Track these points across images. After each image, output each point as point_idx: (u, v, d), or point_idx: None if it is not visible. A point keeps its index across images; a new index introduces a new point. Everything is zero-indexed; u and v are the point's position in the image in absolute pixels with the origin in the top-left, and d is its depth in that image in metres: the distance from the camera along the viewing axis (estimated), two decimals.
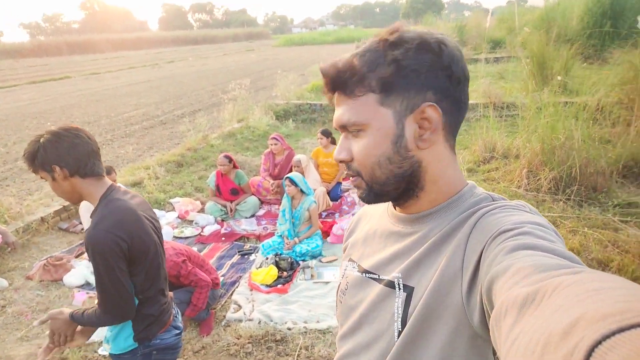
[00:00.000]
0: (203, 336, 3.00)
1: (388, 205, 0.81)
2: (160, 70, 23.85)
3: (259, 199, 5.08)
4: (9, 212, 4.23)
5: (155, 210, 4.82)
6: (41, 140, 1.40)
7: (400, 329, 0.69)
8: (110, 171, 3.71)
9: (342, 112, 0.70)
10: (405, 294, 0.69)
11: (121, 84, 18.03)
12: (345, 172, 0.77)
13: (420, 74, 0.65)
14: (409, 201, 0.73)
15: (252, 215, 4.89)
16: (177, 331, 1.71)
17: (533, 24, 13.05)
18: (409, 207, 0.74)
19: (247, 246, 4.25)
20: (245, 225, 4.67)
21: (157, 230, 1.63)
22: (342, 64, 0.68)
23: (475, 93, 8.16)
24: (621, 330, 0.28)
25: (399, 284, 0.71)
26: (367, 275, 0.79)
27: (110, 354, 1.62)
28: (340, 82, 0.68)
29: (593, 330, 0.29)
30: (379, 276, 0.76)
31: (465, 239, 0.64)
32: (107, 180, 1.52)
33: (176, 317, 1.77)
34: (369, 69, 0.66)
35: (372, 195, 0.72)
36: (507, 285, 0.45)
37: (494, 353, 0.66)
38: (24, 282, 3.58)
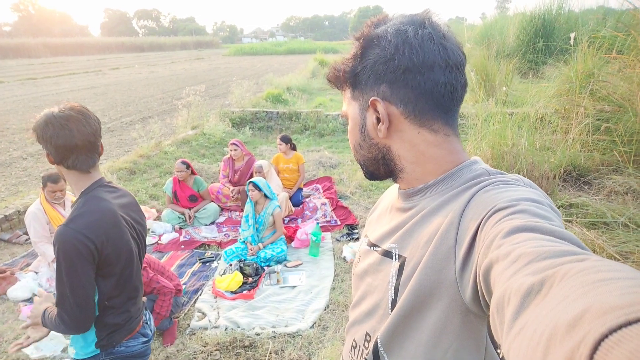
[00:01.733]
0: (167, 346, 2.88)
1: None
2: (105, 77, 22.80)
3: (219, 206, 4.98)
4: None
5: None
6: (38, 120, 1.32)
7: (393, 297, 0.72)
8: (57, 179, 3.48)
9: (343, 103, 0.81)
10: (398, 263, 0.72)
11: (62, 90, 17.01)
12: None
13: (367, 69, 0.70)
14: (398, 180, 0.78)
15: (212, 223, 4.78)
16: (145, 339, 1.63)
17: (474, 39, 13.90)
18: (403, 184, 0.78)
19: (209, 253, 4.14)
20: (205, 233, 4.55)
21: (139, 234, 1.54)
22: (336, 65, 0.78)
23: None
24: (628, 323, 0.28)
25: (395, 254, 0.74)
26: (372, 247, 0.83)
27: (73, 359, 1.52)
28: (335, 80, 0.78)
29: (599, 323, 0.29)
30: (380, 247, 0.80)
31: (459, 216, 0.64)
32: (95, 174, 1.42)
33: (146, 323, 1.69)
34: (347, 67, 0.74)
35: (368, 174, 0.81)
36: (509, 273, 0.45)
37: (490, 332, 0.67)
38: None
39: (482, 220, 0.58)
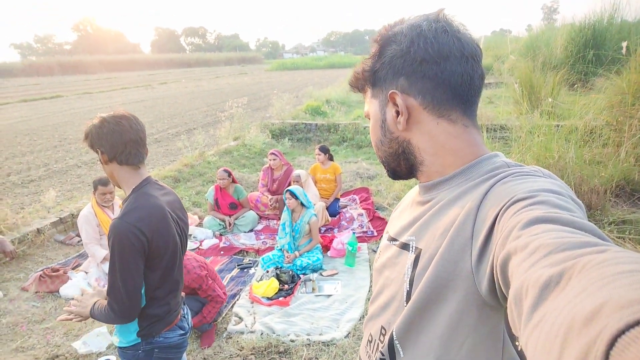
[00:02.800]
0: (204, 348, 2.95)
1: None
2: (154, 91, 23.96)
3: (258, 214, 5.08)
4: (5, 222, 4.17)
5: None
6: (92, 123, 1.46)
7: (408, 289, 0.71)
8: (107, 182, 3.69)
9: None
10: (414, 255, 0.72)
11: (114, 103, 18.05)
12: None
13: (385, 65, 0.73)
14: (418, 174, 0.79)
15: (251, 230, 4.88)
16: (182, 331, 1.70)
17: (519, 52, 13.52)
18: (423, 178, 0.79)
19: (247, 260, 4.22)
20: (244, 240, 4.65)
21: (182, 231, 1.63)
22: (356, 68, 0.80)
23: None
24: None
25: (412, 246, 0.74)
26: (392, 241, 0.83)
27: (117, 347, 1.61)
28: (356, 82, 0.81)
29: (617, 318, 0.28)
30: (398, 240, 0.80)
31: (476, 207, 0.63)
32: (144, 172, 1.54)
33: (184, 317, 1.76)
34: (366, 67, 0.77)
35: (390, 172, 0.83)
36: (527, 264, 0.44)
37: (513, 337, 0.66)
38: (19, 293, 3.50)
39: (500, 211, 0.57)
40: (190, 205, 5.42)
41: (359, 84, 0.81)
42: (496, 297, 0.57)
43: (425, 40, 0.69)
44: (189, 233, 4.64)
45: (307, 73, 37.94)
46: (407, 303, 0.71)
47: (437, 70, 0.69)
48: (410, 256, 0.73)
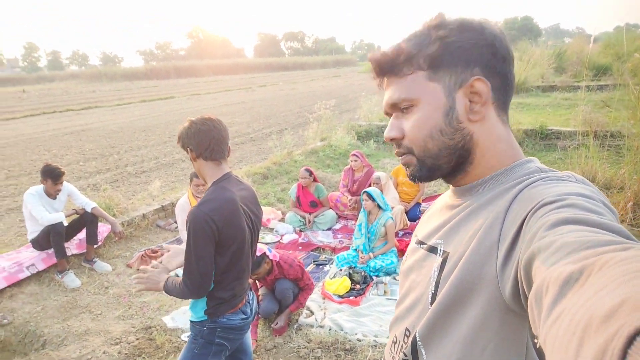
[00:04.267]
0: (276, 336, 3.11)
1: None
2: (253, 93, 25.49)
3: (337, 214, 5.18)
4: (118, 207, 4.81)
5: None
6: (183, 126, 1.69)
7: (433, 292, 0.71)
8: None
9: (392, 91, 0.74)
10: (441, 258, 0.71)
11: (218, 104, 19.59)
12: (395, 151, 0.81)
13: (465, 50, 0.69)
14: (458, 176, 0.75)
15: (329, 228, 5.00)
16: (244, 316, 1.83)
17: None
18: (458, 181, 0.77)
19: (323, 257, 4.34)
20: (321, 237, 4.78)
21: (254, 224, 1.78)
22: (390, 49, 0.73)
23: (574, 121, 7.64)
24: None
25: (440, 250, 0.73)
26: (419, 245, 0.82)
27: (190, 320, 1.81)
28: (390, 65, 0.73)
29: (636, 316, 0.28)
30: (426, 244, 0.79)
31: (504, 211, 0.63)
32: (225, 168, 1.72)
33: (248, 302, 1.89)
34: (416, 49, 0.71)
35: (425, 170, 0.74)
36: (549, 262, 0.43)
37: (532, 336, 0.64)
38: (124, 269, 4.02)
39: (527, 214, 0.57)
40: (275, 201, 5.71)
41: (395, 66, 0.73)
42: (519, 302, 0.56)
43: (503, 39, 0.71)
44: (272, 227, 4.91)
45: None
46: (431, 305, 0.71)
47: (508, 71, 0.71)
48: (438, 259, 0.73)
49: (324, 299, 3.57)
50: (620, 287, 0.32)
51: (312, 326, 3.20)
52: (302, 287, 3.32)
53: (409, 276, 0.84)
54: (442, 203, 0.85)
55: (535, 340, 0.63)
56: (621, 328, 0.28)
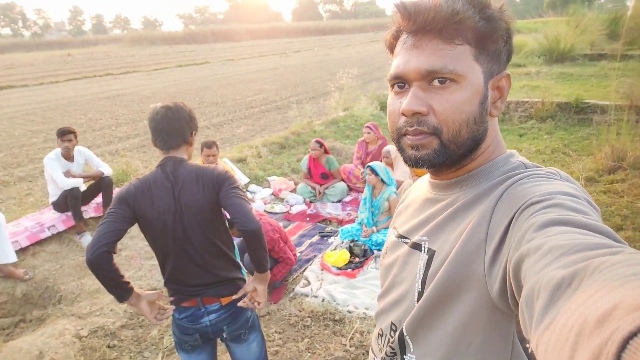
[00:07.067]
0: (272, 303, 3.24)
1: (428, 174, 0.82)
2: (287, 59, 25.27)
3: (348, 186, 5.20)
4: (135, 173, 5.03)
5: (252, 186, 5.26)
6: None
7: (419, 289, 0.71)
8: (211, 145, 4.16)
9: (432, 56, 0.64)
10: (427, 256, 0.71)
11: (250, 70, 19.61)
12: (407, 129, 0.66)
13: (503, 39, 0.67)
14: (453, 169, 0.72)
15: (339, 201, 5.04)
16: (188, 321, 1.75)
17: None
18: (445, 175, 0.74)
19: (329, 229, 4.41)
20: (330, 209, 4.84)
21: (181, 205, 1.61)
22: (445, 4, 0.62)
23: (613, 94, 7.15)
24: None
25: (424, 247, 0.73)
26: (401, 239, 0.82)
27: None
28: (441, 23, 0.62)
29: (629, 320, 0.28)
30: (409, 239, 0.78)
31: (491, 209, 0.62)
32: (168, 156, 1.66)
33: (201, 313, 1.79)
34: (470, 19, 0.62)
35: (442, 157, 0.67)
36: (539, 266, 0.43)
37: (522, 340, 0.66)
38: (138, 233, 4.23)
39: (514, 214, 0.57)
40: (289, 172, 5.79)
41: (450, 26, 0.62)
42: (507, 301, 0.57)
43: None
44: (282, 197, 5.00)
45: None
46: (417, 302, 0.72)
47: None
48: (423, 257, 0.72)
49: (322, 270, 3.66)
50: (613, 292, 0.32)
51: (306, 296, 3.31)
52: (276, 259, 3.34)
53: (391, 271, 0.83)
54: (422, 195, 0.82)
55: (527, 345, 0.67)
56: (615, 332, 0.28)
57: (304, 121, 7.47)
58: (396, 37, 0.72)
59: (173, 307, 1.71)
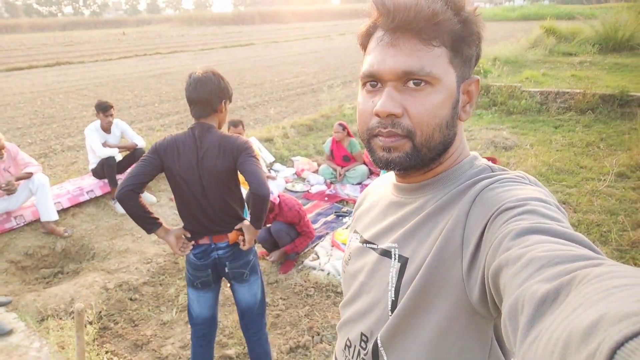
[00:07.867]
0: (280, 273, 3.46)
1: (391, 177, 0.81)
2: (331, 42, 25.18)
3: (370, 169, 5.29)
4: None
5: (277, 165, 5.48)
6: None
7: (393, 298, 0.70)
8: (237, 124, 4.38)
9: (411, 57, 0.62)
10: (399, 264, 0.70)
11: (292, 52, 19.77)
12: (380, 130, 0.66)
13: (475, 43, 0.66)
14: (421, 171, 0.71)
15: (359, 183, 5.15)
16: (195, 259, 2.02)
17: None
18: (412, 178, 0.73)
19: (345, 209, 4.56)
20: (348, 191, 4.97)
21: (202, 166, 1.85)
22: (425, 4, 0.60)
23: None
24: None
25: (394, 254, 0.71)
26: (367, 245, 0.79)
27: None
28: (419, 22, 0.61)
29: (615, 331, 0.28)
30: (377, 246, 0.76)
31: (465, 214, 0.62)
32: (198, 122, 1.89)
33: (210, 249, 2.07)
34: (448, 19, 0.61)
35: (413, 160, 0.66)
36: (520, 278, 0.43)
37: (500, 336, 0.66)
38: (167, 202, 4.58)
39: (489, 219, 0.58)
40: (313, 153, 5.95)
41: (429, 27, 0.61)
42: (486, 305, 0.58)
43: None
44: (304, 177, 5.18)
45: (492, 25, 34.30)
46: (392, 312, 0.70)
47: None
48: (395, 264, 0.70)
49: (332, 246, 3.83)
50: (597, 304, 0.32)
51: (314, 268, 3.50)
52: (299, 232, 3.58)
53: (358, 278, 0.80)
54: (386, 198, 0.81)
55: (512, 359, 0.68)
56: (602, 343, 0.28)
57: (334, 104, 7.57)
58: (370, 33, 0.69)
59: (193, 242, 2.00)
